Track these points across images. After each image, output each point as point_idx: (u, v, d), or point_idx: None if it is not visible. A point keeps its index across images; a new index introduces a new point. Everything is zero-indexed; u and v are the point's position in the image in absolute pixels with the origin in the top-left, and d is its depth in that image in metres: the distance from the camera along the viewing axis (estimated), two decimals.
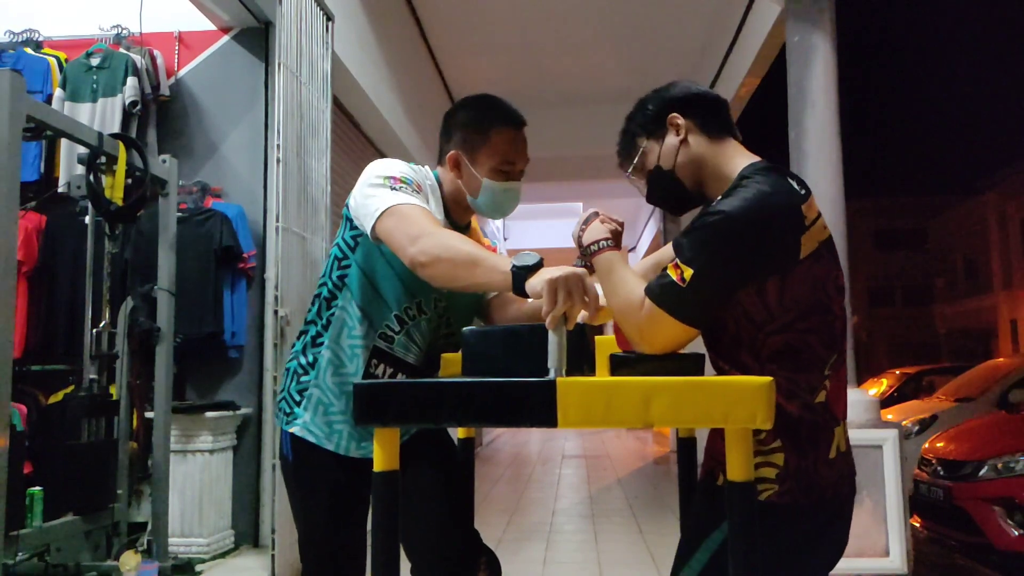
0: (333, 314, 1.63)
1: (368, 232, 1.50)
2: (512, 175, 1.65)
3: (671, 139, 1.44)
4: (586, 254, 1.43)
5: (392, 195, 1.48)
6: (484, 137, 1.62)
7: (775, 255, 1.28)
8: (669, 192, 1.49)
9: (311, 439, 1.63)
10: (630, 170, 1.51)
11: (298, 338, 1.70)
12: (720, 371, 1.38)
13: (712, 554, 1.30)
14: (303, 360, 1.66)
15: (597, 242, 1.41)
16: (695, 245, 1.28)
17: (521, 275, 1.24)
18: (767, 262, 1.28)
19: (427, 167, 1.71)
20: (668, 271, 1.29)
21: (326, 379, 1.63)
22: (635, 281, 1.34)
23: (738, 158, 1.41)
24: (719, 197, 1.35)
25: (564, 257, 1.31)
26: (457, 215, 1.70)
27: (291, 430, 1.64)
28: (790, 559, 1.31)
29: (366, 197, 1.51)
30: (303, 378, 1.65)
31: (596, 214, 1.47)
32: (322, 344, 1.64)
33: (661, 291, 1.28)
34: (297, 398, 1.65)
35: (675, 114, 1.44)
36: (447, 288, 1.45)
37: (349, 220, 1.61)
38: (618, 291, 1.34)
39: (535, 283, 1.20)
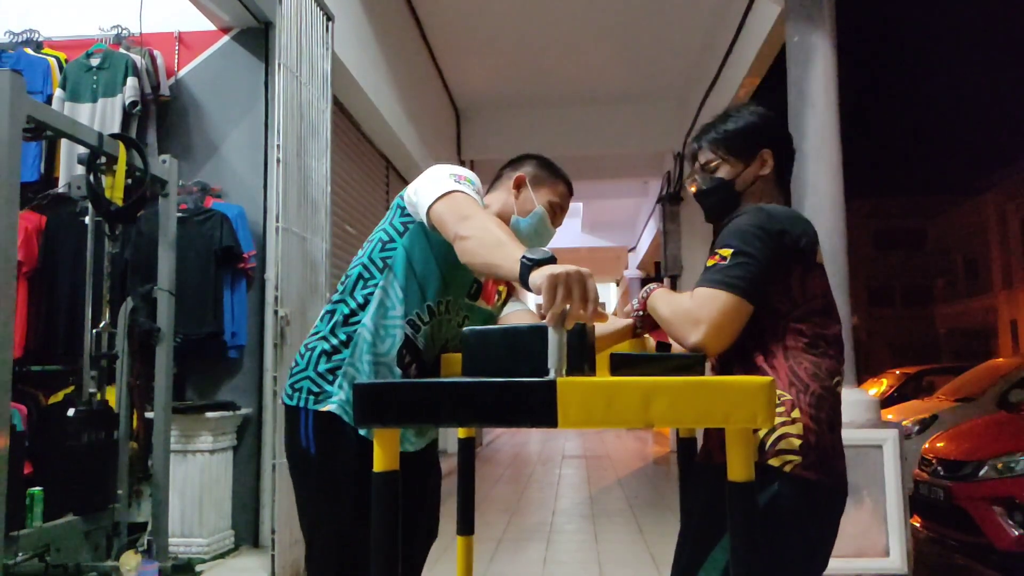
0: (371, 293, 1.64)
1: (423, 213, 1.57)
2: (555, 221, 1.81)
3: (755, 168, 1.58)
4: (640, 310, 1.56)
5: (453, 186, 1.57)
6: (553, 179, 1.82)
7: (796, 243, 1.41)
8: (722, 205, 1.60)
9: (346, 418, 1.59)
10: (703, 166, 1.62)
11: (321, 319, 1.68)
12: (727, 366, 1.43)
13: (725, 567, 1.31)
14: (333, 340, 1.63)
15: (643, 292, 1.56)
16: (727, 234, 1.42)
17: (528, 266, 1.24)
18: (790, 247, 1.40)
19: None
20: (708, 263, 1.41)
21: (363, 357, 1.61)
22: (681, 296, 1.47)
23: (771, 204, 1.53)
24: None
25: (564, 257, 1.33)
26: None
27: (324, 408, 1.59)
28: (801, 530, 1.34)
29: (430, 184, 1.59)
30: (335, 356, 1.62)
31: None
32: (358, 322, 1.63)
33: (707, 274, 1.39)
34: (329, 377, 1.62)
35: (769, 151, 1.58)
36: (470, 265, 1.47)
37: (401, 208, 1.68)
38: (669, 303, 1.45)
39: (537, 277, 1.20)
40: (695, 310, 1.35)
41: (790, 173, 1.65)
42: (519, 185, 1.79)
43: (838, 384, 1.42)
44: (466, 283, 1.70)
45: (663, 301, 1.47)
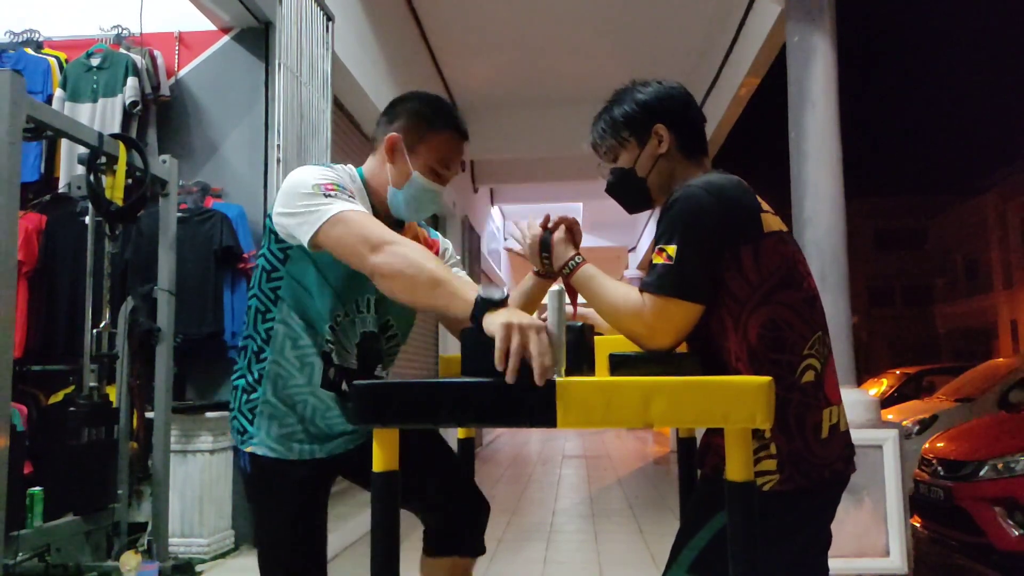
0: (271, 328, 1.57)
1: (306, 242, 1.43)
2: (441, 180, 1.62)
3: (651, 148, 1.49)
4: (564, 276, 1.49)
5: (331, 203, 1.43)
6: (431, 131, 1.60)
7: (741, 220, 1.34)
8: (632, 194, 1.54)
9: (272, 455, 1.59)
10: (603, 156, 1.56)
11: (239, 354, 1.65)
12: (705, 362, 1.38)
13: (715, 534, 1.31)
14: (250, 378, 1.61)
15: (568, 262, 1.46)
16: (669, 225, 1.34)
17: (482, 307, 1.19)
18: (737, 226, 1.33)
19: (349, 165, 1.65)
20: (654, 260, 1.34)
21: (275, 393, 1.58)
22: (623, 287, 1.39)
23: (704, 175, 1.44)
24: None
25: None
26: (385, 212, 1.64)
27: (248, 449, 1.60)
28: (788, 540, 1.33)
29: (300, 208, 1.45)
30: (252, 395, 1.60)
31: (549, 238, 1.51)
32: (266, 359, 1.58)
33: (658, 279, 1.32)
34: (249, 416, 1.60)
35: (662, 125, 1.48)
36: (403, 303, 1.43)
37: (274, 233, 1.55)
38: (614, 301, 1.38)
39: (490, 321, 1.15)
40: (652, 322, 1.31)
41: (698, 141, 1.52)
42: (391, 149, 1.60)
43: (805, 371, 1.34)
44: (366, 285, 1.53)
45: (600, 296, 1.39)
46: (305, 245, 1.44)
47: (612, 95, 1.57)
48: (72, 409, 3.25)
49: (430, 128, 1.60)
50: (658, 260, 1.33)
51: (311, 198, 1.44)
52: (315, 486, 1.63)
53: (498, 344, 1.10)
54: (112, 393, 3.47)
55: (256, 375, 1.59)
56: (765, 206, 1.40)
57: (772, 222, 1.39)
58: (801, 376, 1.33)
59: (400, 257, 1.33)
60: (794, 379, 1.33)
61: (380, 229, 1.39)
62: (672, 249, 1.31)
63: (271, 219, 1.54)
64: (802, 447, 1.31)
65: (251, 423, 1.59)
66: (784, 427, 1.31)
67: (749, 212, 1.36)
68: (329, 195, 1.44)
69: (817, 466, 1.32)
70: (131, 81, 4.12)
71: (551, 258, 1.51)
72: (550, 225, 1.55)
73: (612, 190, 1.57)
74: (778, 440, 1.31)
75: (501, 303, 1.20)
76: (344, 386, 1.60)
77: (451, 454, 1.75)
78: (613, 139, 1.53)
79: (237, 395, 1.62)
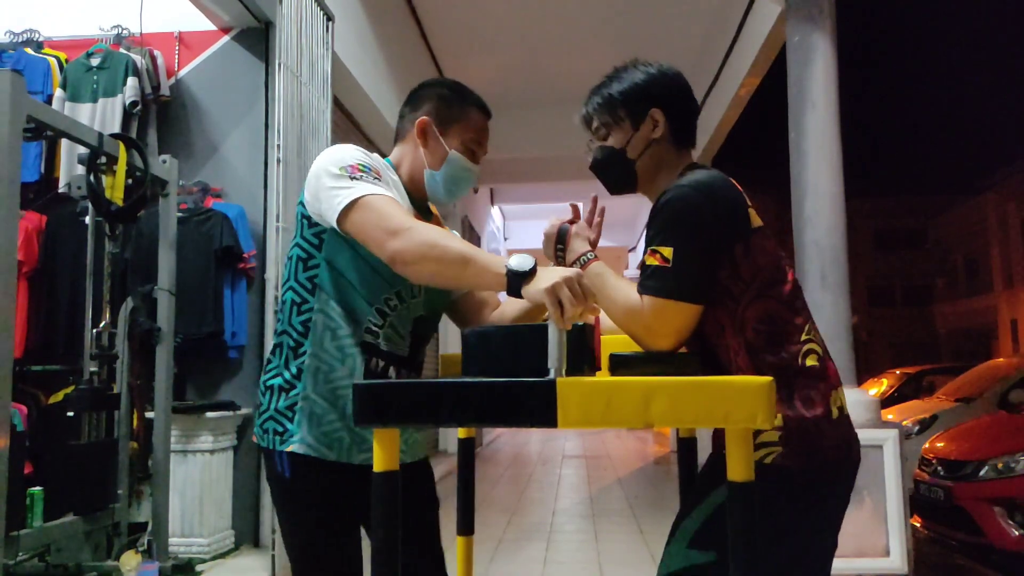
0: (309, 319, 1.52)
1: (335, 226, 1.43)
2: (475, 158, 1.63)
3: (645, 131, 1.48)
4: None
5: (355, 186, 1.42)
6: (461, 112, 1.61)
7: (734, 218, 1.35)
8: (619, 176, 1.53)
9: (313, 454, 1.51)
10: (594, 133, 1.55)
11: (273, 352, 1.58)
12: (703, 361, 1.39)
13: (716, 507, 1.31)
14: (287, 374, 1.53)
15: (581, 257, 1.47)
16: (662, 227, 1.34)
17: (518, 279, 1.22)
18: (729, 225, 1.34)
19: (375, 154, 1.60)
20: (647, 261, 1.34)
21: (315, 389, 1.51)
22: (628, 286, 1.40)
23: (690, 171, 1.44)
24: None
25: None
26: (418, 198, 1.63)
27: (288, 448, 1.51)
28: (793, 523, 1.31)
29: (326, 190, 1.44)
30: (291, 392, 1.53)
31: (567, 230, 1.51)
32: (304, 353, 1.52)
33: (654, 281, 1.33)
34: (288, 414, 1.52)
35: (659, 110, 1.48)
36: (432, 285, 1.42)
37: (307, 218, 1.53)
38: (616, 300, 1.39)
39: (533, 291, 1.20)
40: (651, 323, 1.32)
41: (690, 132, 1.52)
42: (423, 132, 1.59)
43: (806, 355, 1.35)
44: None
45: (606, 294, 1.39)
46: (336, 228, 1.44)
47: (612, 70, 1.55)
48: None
49: (459, 108, 1.61)
50: (652, 262, 1.33)
51: (337, 180, 1.44)
52: (351, 496, 1.56)
53: (551, 312, 1.14)
54: (113, 387, 3.47)
55: (295, 370, 1.53)
56: (749, 200, 1.41)
57: (755, 216, 1.40)
58: (804, 361, 1.34)
59: (420, 241, 1.32)
60: (798, 367, 1.33)
61: (398, 215, 1.37)
62: (667, 251, 1.32)
63: (302, 204, 1.53)
64: (811, 425, 1.31)
65: (291, 421, 1.52)
66: (790, 401, 1.31)
67: (739, 209, 1.37)
68: (355, 177, 1.44)
69: (823, 447, 1.31)
70: (131, 81, 4.12)
71: (565, 251, 1.51)
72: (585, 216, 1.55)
73: (598, 168, 1.55)
74: (786, 413, 1.31)
75: (533, 272, 1.22)
76: (393, 374, 1.55)
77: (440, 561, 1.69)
78: (608, 116, 1.51)
79: (272, 395, 1.54)
